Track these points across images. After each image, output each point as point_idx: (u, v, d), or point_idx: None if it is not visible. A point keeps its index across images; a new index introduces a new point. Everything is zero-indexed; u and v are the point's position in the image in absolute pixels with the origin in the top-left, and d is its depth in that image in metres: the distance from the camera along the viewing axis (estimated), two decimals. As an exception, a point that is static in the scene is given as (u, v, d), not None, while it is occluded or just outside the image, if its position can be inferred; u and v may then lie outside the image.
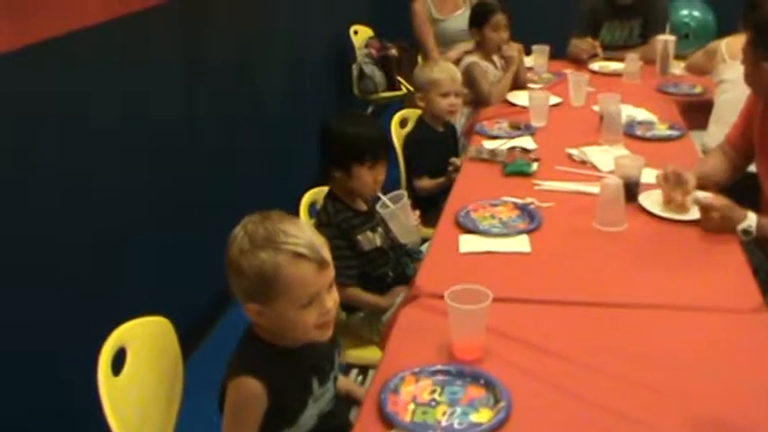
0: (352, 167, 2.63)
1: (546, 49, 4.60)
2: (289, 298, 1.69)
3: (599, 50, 4.74)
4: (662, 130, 3.59)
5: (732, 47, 3.65)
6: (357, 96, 5.54)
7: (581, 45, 4.75)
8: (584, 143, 3.35)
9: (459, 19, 4.94)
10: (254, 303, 1.73)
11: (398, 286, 2.69)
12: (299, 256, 1.70)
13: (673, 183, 2.73)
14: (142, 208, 3.11)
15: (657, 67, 4.52)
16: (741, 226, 2.54)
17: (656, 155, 3.24)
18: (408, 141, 3.61)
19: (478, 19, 4.11)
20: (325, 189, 2.78)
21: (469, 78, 3.99)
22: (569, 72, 4.19)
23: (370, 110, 5.61)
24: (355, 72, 5.52)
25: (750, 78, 2.83)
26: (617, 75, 4.52)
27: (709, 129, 3.70)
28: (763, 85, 2.78)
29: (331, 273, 1.77)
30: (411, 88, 4.67)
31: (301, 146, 4.83)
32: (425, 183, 3.51)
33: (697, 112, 4.02)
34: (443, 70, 3.57)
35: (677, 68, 4.54)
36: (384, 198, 2.65)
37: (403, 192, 2.71)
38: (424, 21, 4.90)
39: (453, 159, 3.40)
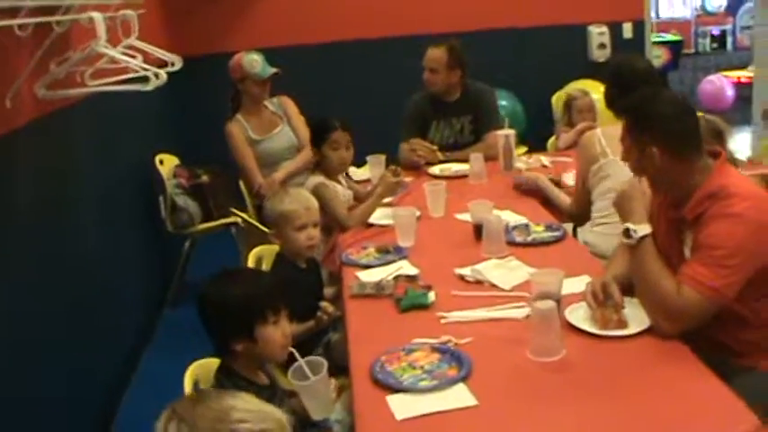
0: (255, 331, 2.20)
1: (382, 158, 4.28)
2: None
3: (439, 154, 4.47)
4: (540, 231, 3.31)
5: (612, 139, 3.43)
6: (171, 232, 4.96)
7: (418, 149, 4.48)
8: (467, 259, 3.01)
9: (280, 137, 4.57)
10: None
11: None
12: None
13: (602, 300, 2.43)
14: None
15: (501, 164, 4.30)
16: (630, 225, 2.43)
17: (549, 261, 2.96)
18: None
19: (316, 137, 3.73)
20: (209, 363, 2.27)
21: (319, 201, 3.56)
22: (426, 182, 3.83)
23: (187, 244, 5.05)
24: (163, 205, 4.94)
25: (638, 168, 2.55)
26: (460, 176, 4.25)
27: (595, 229, 3.43)
28: (655, 171, 2.49)
29: None
30: (244, 216, 4.21)
31: (117, 323, 4.18)
32: (293, 328, 3.01)
33: (555, 205, 3.81)
34: (295, 200, 3.13)
35: (521, 162, 4.34)
36: (302, 362, 2.19)
37: (323, 360, 2.23)
38: (243, 143, 4.47)
39: (325, 305, 2.97)
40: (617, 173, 3.34)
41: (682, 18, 11.94)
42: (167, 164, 5.09)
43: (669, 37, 10.40)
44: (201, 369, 2.31)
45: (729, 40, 12.03)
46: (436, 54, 4.56)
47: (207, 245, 5.15)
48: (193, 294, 2.33)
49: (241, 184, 4.63)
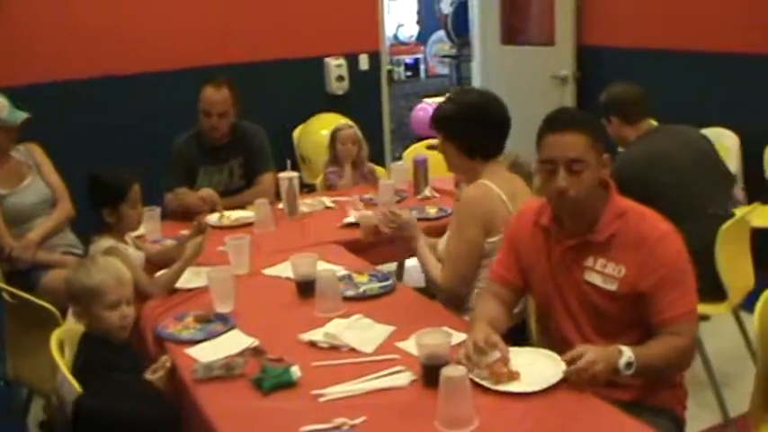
0: None
1: (157, 211, 3.86)
2: None
3: (218, 203, 4.07)
4: (366, 282, 3.10)
5: (514, 197, 3.02)
6: None
7: (195, 199, 4.08)
8: (304, 322, 2.76)
9: (30, 190, 3.99)
10: None
11: None
12: None
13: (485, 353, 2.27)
14: None
15: (285, 209, 4.03)
16: (622, 361, 2.20)
17: (392, 314, 2.77)
18: (76, 373, 2.61)
19: (113, 196, 3.19)
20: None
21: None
22: (227, 237, 3.44)
23: None
24: None
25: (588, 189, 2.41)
26: (243, 225, 3.92)
27: None
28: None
29: None
30: (9, 289, 3.56)
31: None
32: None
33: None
34: (103, 270, 2.62)
35: (305, 206, 4.09)
36: None
37: None
38: (-14, 199, 3.83)
39: (154, 367, 2.57)
40: None
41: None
42: None
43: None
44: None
45: (422, 68, 12.57)
46: (222, 96, 4.21)
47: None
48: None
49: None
